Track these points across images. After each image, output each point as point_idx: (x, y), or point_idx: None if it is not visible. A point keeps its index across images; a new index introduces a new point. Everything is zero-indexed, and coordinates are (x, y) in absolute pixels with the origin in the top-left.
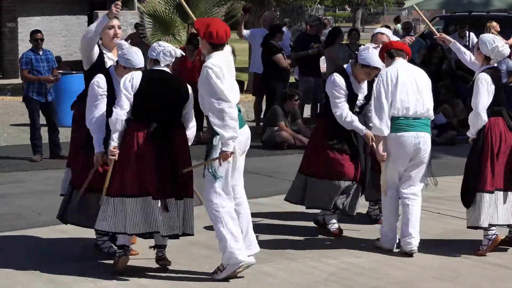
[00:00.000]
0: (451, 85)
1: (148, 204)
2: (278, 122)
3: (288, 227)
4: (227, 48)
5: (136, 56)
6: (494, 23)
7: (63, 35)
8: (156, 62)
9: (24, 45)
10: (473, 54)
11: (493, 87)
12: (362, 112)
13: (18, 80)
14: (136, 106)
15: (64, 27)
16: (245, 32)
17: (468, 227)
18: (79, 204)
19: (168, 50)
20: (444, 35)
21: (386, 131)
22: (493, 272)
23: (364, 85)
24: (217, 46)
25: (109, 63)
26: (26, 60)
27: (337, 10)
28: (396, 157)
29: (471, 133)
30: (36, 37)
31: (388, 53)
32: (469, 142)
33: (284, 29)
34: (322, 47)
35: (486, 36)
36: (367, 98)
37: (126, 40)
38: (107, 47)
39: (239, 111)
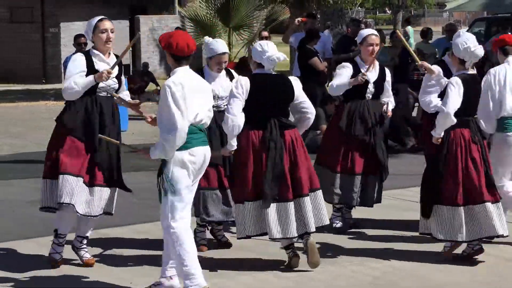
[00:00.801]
0: None
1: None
2: (320, 125)
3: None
4: None
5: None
6: None
7: None
8: (260, 65)
9: (66, 50)
10: None
11: (461, 92)
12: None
13: (61, 85)
14: (248, 110)
15: None
16: (291, 39)
17: (420, 233)
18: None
19: (273, 58)
20: (424, 63)
21: (492, 131)
22: None
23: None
24: (180, 58)
25: (101, 66)
26: None
27: (377, 12)
28: (503, 156)
29: (438, 133)
30: (79, 41)
31: (502, 50)
32: (433, 141)
33: (326, 32)
34: None
35: (458, 38)
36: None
37: None
38: (101, 51)
39: (200, 130)
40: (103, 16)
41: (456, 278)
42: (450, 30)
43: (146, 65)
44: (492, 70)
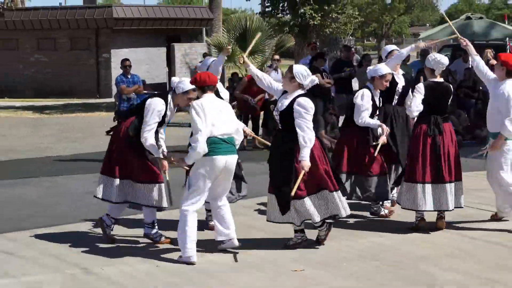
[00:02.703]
0: (454, 98)
1: None
2: (320, 131)
3: None
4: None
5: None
6: (489, 50)
7: (147, 63)
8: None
9: (116, 72)
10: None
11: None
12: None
13: (111, 99)
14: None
15: (148, 56)
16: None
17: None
18: None
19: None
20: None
21: None
22: (495, 250)
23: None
24: (203, 88)
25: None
26: (121, 79)
27: (365, 41)
28: None
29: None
30: (125, 64)
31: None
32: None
33: None
34: (354, 71)
35: (429, 56)
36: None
37: (196, 68)
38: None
39: (225, 141)
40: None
41: (427, 251)
42: (424, 55)
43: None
44: None
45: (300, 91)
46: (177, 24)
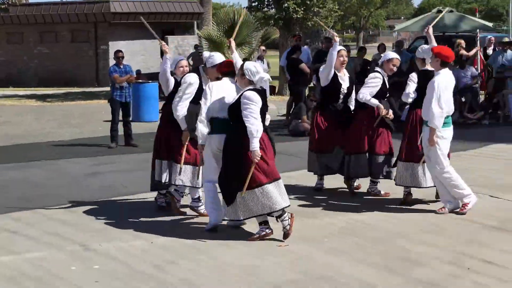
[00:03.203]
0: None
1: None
2: (302, 116)
3: (309, 192)
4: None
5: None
6: (461, 41)
7: (142, 54)
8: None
9: (113, 62)
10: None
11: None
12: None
13: (109, 88)
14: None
15: (143, 48)
16: (282, 62)
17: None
18: None
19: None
20: None
21: None
22: (465, 226)
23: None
24: (226, 73)
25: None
26: (114, 69)
27: (344, 33)
28: None
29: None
30: (118, 55)
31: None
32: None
33: (306, 47)
34: None
35: (418, 48)
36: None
37: (188, 57)
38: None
39: (225, 122)
40: (182, 57)
41: (403, 228)
42: (398, 46)
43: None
44: None
45: (250, 87)
46: (171, 18)
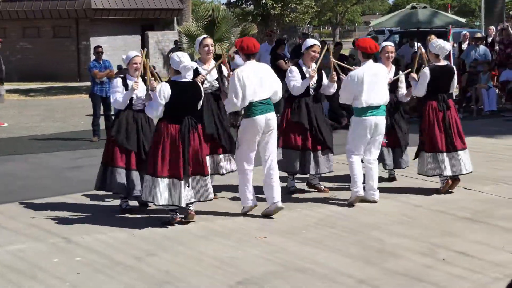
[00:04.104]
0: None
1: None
2: (281, 111)
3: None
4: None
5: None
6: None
7: (123, 49)
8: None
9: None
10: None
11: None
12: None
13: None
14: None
15: (124, 43)
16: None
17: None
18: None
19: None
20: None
21: None
22: (439, 218)
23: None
24: (249, 56)
25: (202, 71)
26: (94, 65)
27: (321, 28)
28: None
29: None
30: (97, 51)
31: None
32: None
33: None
34: None
35: (433, 42)
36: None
37: (168, 53)
38: (203, 61)
39: (261, 103)
40: (206, 35)
41: (378, 219)
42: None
43: (154, 68)
44: None
45: (176, 77)
46: (151, 14)
